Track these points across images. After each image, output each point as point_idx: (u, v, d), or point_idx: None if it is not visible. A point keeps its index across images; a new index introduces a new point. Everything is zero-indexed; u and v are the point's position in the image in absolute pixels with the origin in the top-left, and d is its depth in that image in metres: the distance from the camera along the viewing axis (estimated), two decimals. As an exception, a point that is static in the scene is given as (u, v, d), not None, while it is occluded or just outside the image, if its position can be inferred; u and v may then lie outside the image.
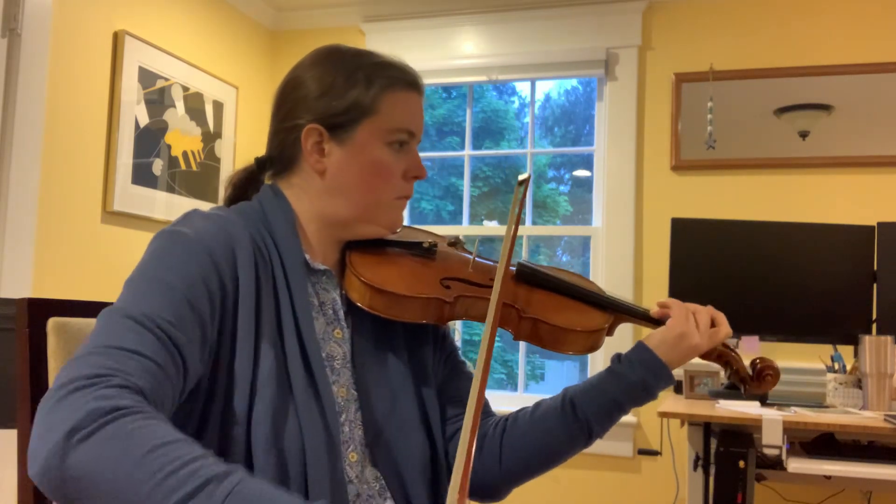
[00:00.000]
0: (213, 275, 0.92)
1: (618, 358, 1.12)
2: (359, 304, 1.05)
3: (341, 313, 1.06)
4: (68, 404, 0.73)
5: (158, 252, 0.93)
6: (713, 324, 1.12)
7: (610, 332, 1.14)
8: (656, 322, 1.15)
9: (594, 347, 1.11)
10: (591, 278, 3.14)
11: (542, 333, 1.10)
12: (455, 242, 1.20)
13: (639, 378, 1.08)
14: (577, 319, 1.11)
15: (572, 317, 1.10)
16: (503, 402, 3.18)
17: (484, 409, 1.19)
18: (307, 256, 1.05)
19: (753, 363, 1.17)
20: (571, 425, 1.09)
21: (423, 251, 1.14)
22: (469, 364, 1.20)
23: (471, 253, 1.18)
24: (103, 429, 0.71)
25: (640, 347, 1.11)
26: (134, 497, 0.69)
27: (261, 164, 1.13)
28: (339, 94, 1.04)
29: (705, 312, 1.12)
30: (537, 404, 1.15)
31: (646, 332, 1.15)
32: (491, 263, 1.18)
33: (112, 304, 0.89)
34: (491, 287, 1.00)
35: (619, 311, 1.16)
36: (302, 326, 0.97)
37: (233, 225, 0.98)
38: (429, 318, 1.06)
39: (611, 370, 1.11)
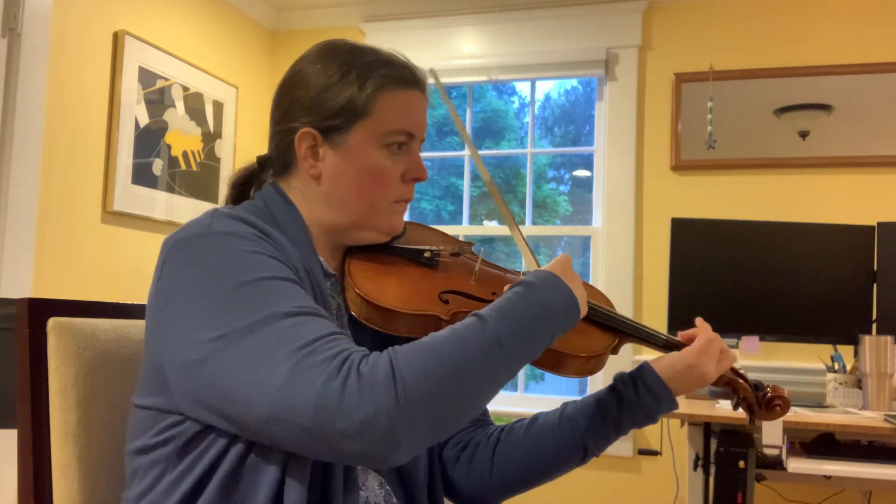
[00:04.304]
0: (280, 256, 0.91)
1: (621, 378, 1.09)
2: (355, 316, 1.01)
3: (345, 319, 1.04)
4: (359, 390, 0.77)
5: (223, 258, 0.87)
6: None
7: (615, 352, 1.07)
8: (670, 347, 1.08)
9: (595, 371, 1.03)
10: (592, 278, 3.14)
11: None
12: (459, 252, 1.12)
13: (641, 403, 1.05)
14: (578, 343, 1.01)
15: (573, 339, 1.00)
16: (503, 401, 3.18)
17: (480, 417, 1.18)
18: (322, 261, 1.03)
19: (763, 391, 1.09)
20: (567, 443, 1.08)
21: (425, 261, 1.08)
22: None
23: (476, 260, 1.12)
24: (417, 382, 0.79)
25: (647, 371, 1.06)
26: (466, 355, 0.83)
27: (262, 163, 1.10)
28: (333, 96, 1.01)
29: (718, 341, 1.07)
30: (534, 418, 1.12)
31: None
32: (497, 273, 1.12)
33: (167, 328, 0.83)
34: (491, 301, 0.94)
35: (629, 335, 1.08)
36: None
37: (256, 221, 0.95)
38: (425, 335, 0.99)
39: (613, 390, 1.08)
